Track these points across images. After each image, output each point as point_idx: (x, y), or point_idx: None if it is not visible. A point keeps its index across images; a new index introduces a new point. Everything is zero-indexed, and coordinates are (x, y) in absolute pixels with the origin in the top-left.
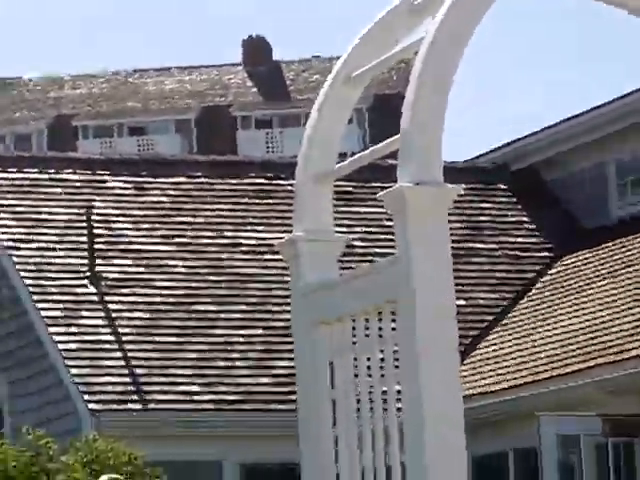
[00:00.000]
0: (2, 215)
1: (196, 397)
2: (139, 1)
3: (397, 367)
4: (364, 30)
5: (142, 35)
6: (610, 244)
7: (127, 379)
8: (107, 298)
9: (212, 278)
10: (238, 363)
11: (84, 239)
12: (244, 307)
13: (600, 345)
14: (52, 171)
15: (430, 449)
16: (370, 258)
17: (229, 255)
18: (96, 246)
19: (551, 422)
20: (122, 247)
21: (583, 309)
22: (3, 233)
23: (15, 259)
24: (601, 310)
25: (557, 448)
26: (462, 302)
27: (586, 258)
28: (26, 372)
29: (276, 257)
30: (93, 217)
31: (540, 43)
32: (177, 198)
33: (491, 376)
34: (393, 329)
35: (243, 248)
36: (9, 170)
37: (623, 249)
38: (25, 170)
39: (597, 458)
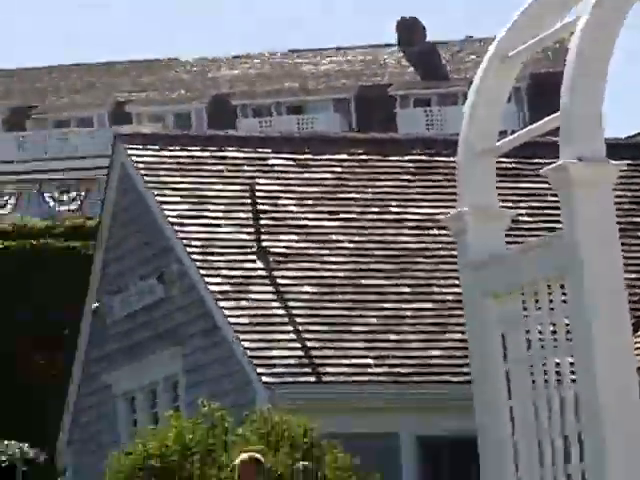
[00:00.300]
0: (167, 192)
1: (369, 370)
2: None
3: (569, 340)
4: (518, 12)
5: (296, 16)
6: None
7: (299, 352)
8: (275, 273)
9: (379, 253)
10: (409, 336)
11: (249, 215)
12: (412, 281)
13: None
14: (214, 149)
15: (605, 420)
16: (536, 233)
17: (395, 230)
18: (261, 222)
19: None
20: (288, 223)
21: None
22: (170, 210)
23: (181, 234)
24: None
25: None
26: (632, 275)
27: None
28: (199, 345)
29: (442, 232)
30: (257, 194)
31: None
32: (340, 175)
33: None
34: (563, 302)
35: (409, 223)
36: (170, 148)
37: None
38: (188, 148)
39: None
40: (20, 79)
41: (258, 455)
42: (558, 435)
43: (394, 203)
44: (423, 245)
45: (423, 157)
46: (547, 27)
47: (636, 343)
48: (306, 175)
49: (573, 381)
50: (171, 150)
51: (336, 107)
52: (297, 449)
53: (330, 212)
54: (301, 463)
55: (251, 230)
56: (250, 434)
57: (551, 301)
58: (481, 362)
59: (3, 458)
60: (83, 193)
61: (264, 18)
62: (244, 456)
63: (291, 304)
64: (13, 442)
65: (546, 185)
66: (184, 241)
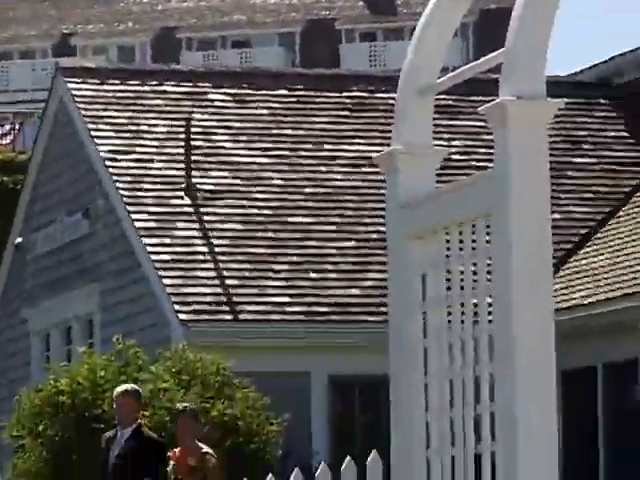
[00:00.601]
0: (102, 127)
1: (287, 308)
2: None
3: (489, 280)
4: None
5: None
6: None
7: (219, 290)
8: (202, 210)
9: (308, 190)
10: (330, 275)
11: (181, 151)
12: (338, 220)
13: None
14: (154, 83)
15: (519, 360)
16: (469, 172)
17: (327, 168)
18: (194, 158)
19: None
20: (220, 159)
21: None
22: (102, 145)
23: (112, 170)
24: None
25: None
26: (557, 215)
27: None
28: (118, 282)
29: (374, 170)
30: (192, 129)
31: None
32: (277, 111)
33: (584, 289)
34: (487, 242)
35: (341, 161)
36: (110, 82)
37: None
38: (128, 82)
39: None
40: None
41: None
42: (470, 376)
43: (329, 140)
44: (353, 183)
45: (363, 93)
46: None
47: (555, 284)
48: (243, 111)
49: (490, 322)
50: (110, 84)
51: (281, 42)
52: (208, 388)
53: (263, 149)
54: (182, 404)
55: (182, 166)
56: (163, 372)
57: (474, 241)
58: (399, 303)
59: None
60: (17, 126)
61: None
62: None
63: (215, 242)
64: None
65: (482, 123)
66: (114, 177)
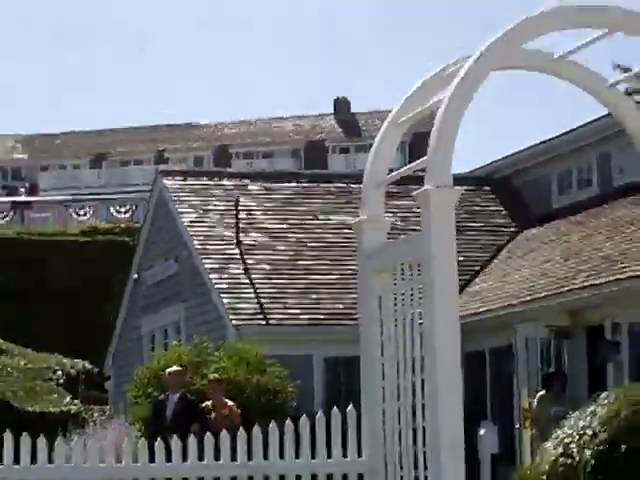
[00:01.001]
0: (184, 207)
1: (298, 317)
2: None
3: (420, 299)
4: (410, 92)
5: (275, 88)
6: (547, 226)
7: (256, 306)
8: (245, 256)
9: (311, 244)
10: (324, 296)
11: (233, 221)
12: (329, 261)
13: (545, 284)
14: (216, 179)
15: (439, 347)
16: (406, 233)
17: (322, 230)
18: (241, 225)
19: (521, 329)
20: (256, 226)
21: (533, 264)
22: (184, 217)
23: (191, 233)
24: (543, 264)
25: (524, 346)
26: (461, 258)
27: (537, 232)
28: (195, 302)
29: (351, 232)
30: (239, 208)
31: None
32: (290, 195)
33: (478, 302)
34: (419, 275)
35: (331, 226)
36: (190, 179)
37: (559, 230)
38: (200, 179)
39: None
40: (101, 135)
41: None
42: (409, 358)
43: (320, 215)
44: (338, 240)
45: (342, 185)
46: (428, 101)
47: (461, 299)
48: (269, 196)
49: (421, 324)
50: (190, 180)
51: (292, 154)
52: (250, 366)
53: (282, 218)
54: (213, 375)
55: (233, 230)
56: (222, 356)
57: (411, 274)
58: (365, 314)
59: (73, 371)
60: (134, 207)
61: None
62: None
63: (253, 276)
64: (79, 360)
65: (414, 203)
66: (192, 237)
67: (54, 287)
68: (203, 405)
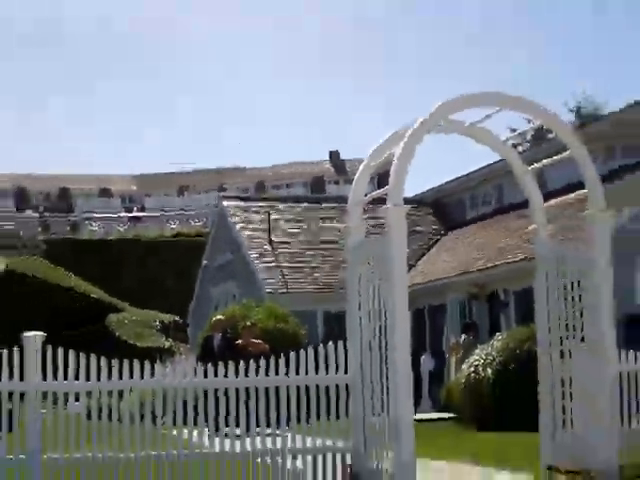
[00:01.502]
0: (236, 219)
1: (308, 289)
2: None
3: (384, 277)
4: (376, 146)
5: (285, 139)
6: (463, 230)
7: (281, 282)
8: (276, 250)
9: (311, 238)
10: (325, 281)
11: (266, 227)
12: (331, 258)
13: (461, 266)
14: (260, 203)
15: (395, 302)
16: (376, 235)
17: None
18: (272, 236)
19: (449, 294)
20: (281, 230)
21: (454, 253)
22: (236, 226)
23: (242, 236)
24: (460, 253)
25: (457, 305)
26: (409, 250)
27: (456, 234)
28: (244, 279)
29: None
30: (272, 219)
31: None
32: (301, 211)
33: (420, 276)
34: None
35: (329, 230)
36: (239, 202)
37: (471, 232)
38: (248, 203)
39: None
40: (182, 174)
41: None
42: (377, 310)
43: (324, 222)
44: (335, 238)
45: (336, 204)
46: (388, 152)
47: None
48: (288, 214)
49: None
50: (240, 202)
51: (303, 185)
52: (278, 318)
53: (297, 226)
54: (245, 322)
55: (266, 233)
56: (260, 311)
57: (378, 264)
58: (350, 285)
59: (166, 321)
60: (205, 219)
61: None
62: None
63: (282, 264)
64: (168, 315)
65: (381, 215)
66: (242, 238)
67: (155, 271)
68: (237, 342)
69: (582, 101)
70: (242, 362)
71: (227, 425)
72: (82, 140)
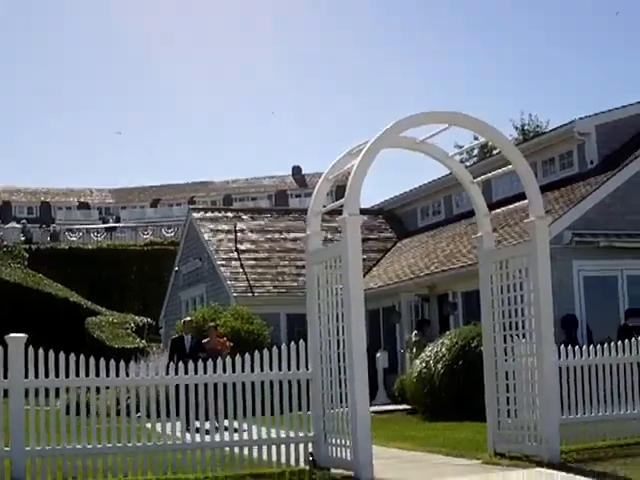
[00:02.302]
0: (206, 231)
1: (272, 290)
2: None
3: (340, 278)
4: (338, 157)
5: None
6: (415, 237)
7: (247, 285)
8: (241, 256)
9: (278, 247)
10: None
11: (233, 237)
12: (291, 261)
13: (413, 270)
14: (227, 214)
15: (351, 304)
16: (333, 242)
17: (286, 241)
18: (238, 239)
19: (402, 295)
20: (245, 239)
21: (407, 259)
22: (206, 235)
23: (210, 243)
24: (413, 259)
25: (409, 307)
26: (364, 256)
27: (409, 241)
28: (211, 283)
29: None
30: (237, 229)
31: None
32: (268, 221)
33: (375, 280)
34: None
35: (290, 238)
36: (208, 214)
37: (422, 240)
38: (215, 213)
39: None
40: (157, 188)
41: (212, 323)
42: (334, 311)
43: (289, 231)
44: (299, 247)
45: (297, 215)
46: (345, 166)
47: (365, 282)
48: (253, 222)
49: (342, 301)
50: (208, 213)
51: (268, 198)
52: (244, 320)
53: (262, 235)
54: (211, 323)
55: (233, 242)
56: (227, 313)
57: (336, 265)
58: (310, 287)
59: (140, 323)
60: (176, 229)
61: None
62: (186, 318)
63: (246, 269)
64: (144, 317)
65: (338, 224)
66: (210, 246)
67: (130, 277)
68: (204, 341)
69: (527, 119)
70: (210, 360)
71: (197, 419)
72: (60, 155)
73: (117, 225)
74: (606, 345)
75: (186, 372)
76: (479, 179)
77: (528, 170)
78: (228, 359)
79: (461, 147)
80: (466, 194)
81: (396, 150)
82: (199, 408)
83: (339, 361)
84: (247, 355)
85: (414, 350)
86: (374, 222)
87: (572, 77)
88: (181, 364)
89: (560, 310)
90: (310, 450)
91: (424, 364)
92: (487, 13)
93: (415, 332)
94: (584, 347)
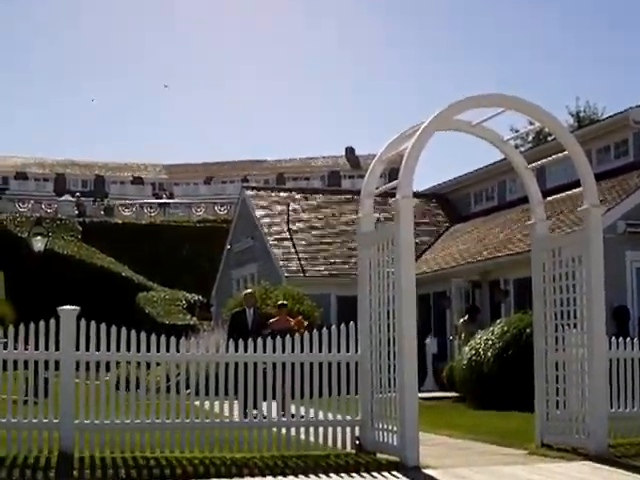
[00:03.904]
0: (258, 209)
1: (323, 273)
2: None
3: (393, 261)
4: (388, 142)
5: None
6: (468, 222)
7: (298, 267)
8: (294, 236)
9: (332, 222)
10: (337, 267)
11: (286, 217)
12: (345, 238)
13: (466, 256)
14: (279, 193)
15: (403, 288)
16: (384, 223)
17: (341, 215)
18: (290, 218)
19: (453, 281)
20: (298, 218)
21: (459, 244)
22: (258, 213)
23: (261, 222)
24: (465, 244)
25: (460, 293)
26: (417, 240)
27: (462, 226)
28: (263, 262)
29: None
30: (290, 209)
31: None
32: (322, 202)
33: (427, 265)
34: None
35: (345, 219)
36: (261, 193)
37: (474, 225)
38: (267, 192)
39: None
40: (211, 165)
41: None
42: (385, 295)
43: (343, 209)
44: (353, 228)
45: (348, 196)
46: (399, 148)
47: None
48: (306, 203)
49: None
50: (261, 192)
51: (321, 179)
52: (293, 300)
53: (314, 214)
54: (281, 301)
55: (286, 220)
56: (278, 293)
57: (388, 248)
58: (361, 270)
59: (192, 300)
60: (229, 207)
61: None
62: (247, 291)
63: (298, 249)
64: (195, 294)
65: (391, 207)
66: (262, 225)
67: (182, 253)
68: (272, 320)
69: (583, 106)
70: (270, 339)
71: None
72: (116, 129)
73: (170, 201)
74: None
75: (236, 350)
76: (533, 165)
77: (583, 157)
78: (278, 339)
79: (517, 132)
80: (520, 180)
81: (451, 133)
82: (248, 387)
83: (388, 345)
84: (297, 335)
85: (462, 337)
86: (427, 206)
87: (632, 64)
88: (241, 341)
89: (612, 302)
90: (357, 434)
91: (474, 351)
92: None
93: (463, 319)
94: (635, 340)
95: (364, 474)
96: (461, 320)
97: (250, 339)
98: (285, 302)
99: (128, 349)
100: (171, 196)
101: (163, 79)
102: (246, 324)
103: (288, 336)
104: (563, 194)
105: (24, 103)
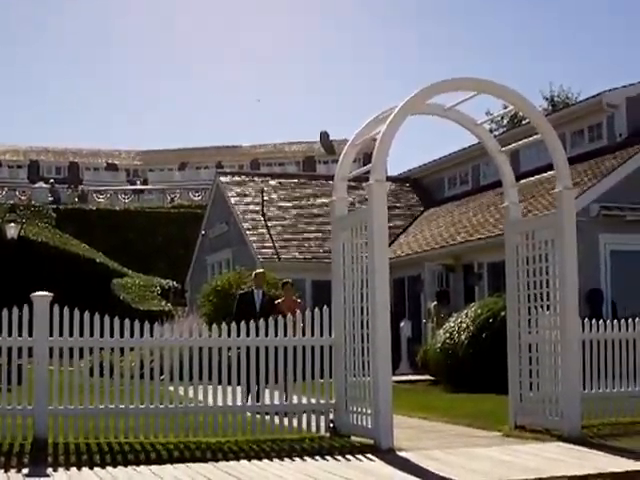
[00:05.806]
0: (232, 194)
1: (297, 257)
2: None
3: (366, 245)
4: (361, 127)
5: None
6: (442, 207)
7: (272, 250)
8: (268, 223)
9: (302, 210)
10: (313, 254)
11: (259, 201)
12: (319, 221)
13: (439, 240)
14: (253, 177)
15: (376, 271)
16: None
17: (311, 205)
18: (265, 201)
19: (427, 265)
20: (273, 205)
21: (433, 228)
22: (232, 199)
23: (236, 208)
24: (439, 228)
25: (434, 276)
26: (391, 224)
27: (436, 210)
28: (238, 248)
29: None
30: (264, 192)
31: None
32: (291, 185)
33: (401, 249)
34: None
35: (316, 203)
36: (236, 178)
37: (448, 209)
38: (242, 177)
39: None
40: (184, 151)
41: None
42: (359, 278)
43: (318, 202)
44: (324, 211)
45: (323, 181)
46: (372, 132)
47: (390, 251)
48: (282, 188)
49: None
50: (235, 177)
51: (295, 164)
52: (268, 285)
53: (285, 200)
54: (287, 280)
55: (259, 206)
56: (253, 278)
57: (361, 232)
58: (335, 254)
59: (166, 286)
60: (203, 192)
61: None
62: (258, 271)
63: (272, 233)
64: (170, 280)
65: (364, 191)
66: (236, 210)
67: (157, 239)
68: (278, 301)
69: (557, 90)
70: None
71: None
72: (89, 114)
73: (145, 187)
74: (630, 320)
75: (210, 335)
76: (507, 148)
77: (556, 140)
78: (252, 322)
79: (490, 114)
80: (493, 164)
81: (424, 117)
82: (222, 372)
83: (362, 328)
84: (270, 319)
85: (435, 320)
86: (401, 190)
87: (605, 48)
88: (252, 323)
89: (586, 285)
90: (331, 417)
91: (448, 335)
92: None
93: (434, 303)
94: (608, 321)
95: (338, 457)
96: (433, 304)
97: (261, 320)
98: (289, 280)
99: (102, 335)
100: (145, 182)
101: (138, 65)
102: (254, 305)
103: (271, 318)
104: (537, 177)
105: None
